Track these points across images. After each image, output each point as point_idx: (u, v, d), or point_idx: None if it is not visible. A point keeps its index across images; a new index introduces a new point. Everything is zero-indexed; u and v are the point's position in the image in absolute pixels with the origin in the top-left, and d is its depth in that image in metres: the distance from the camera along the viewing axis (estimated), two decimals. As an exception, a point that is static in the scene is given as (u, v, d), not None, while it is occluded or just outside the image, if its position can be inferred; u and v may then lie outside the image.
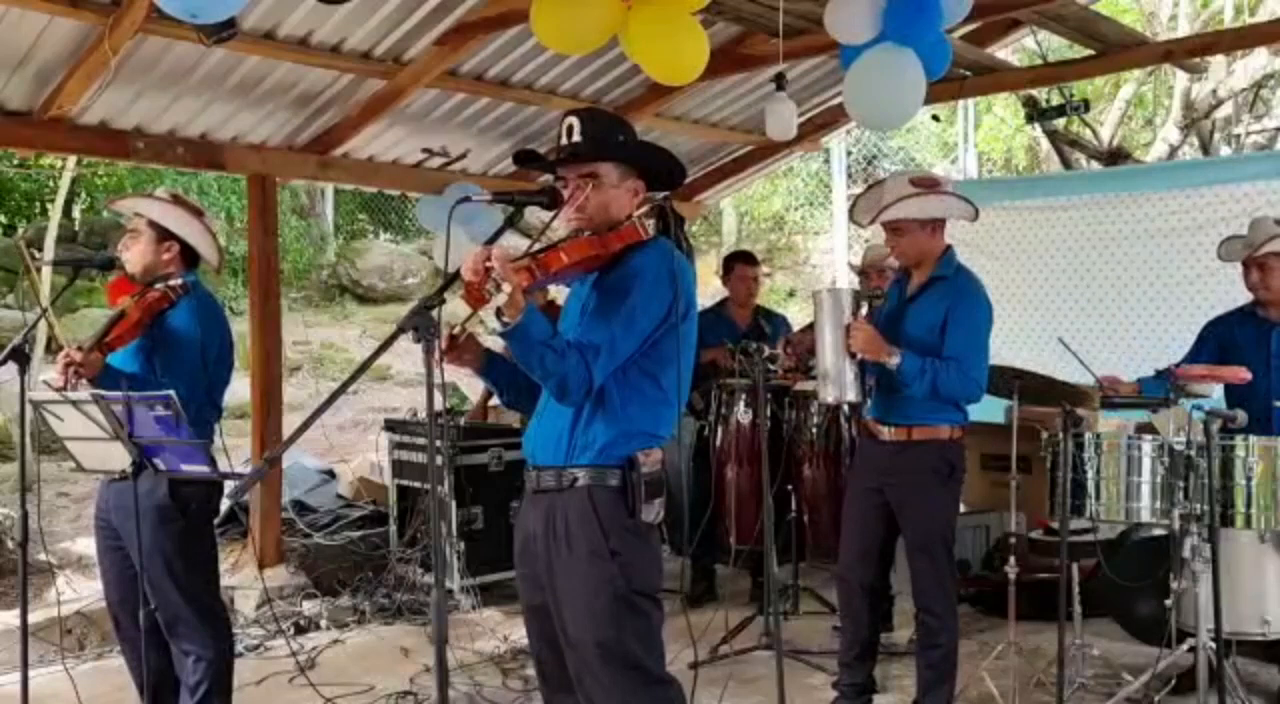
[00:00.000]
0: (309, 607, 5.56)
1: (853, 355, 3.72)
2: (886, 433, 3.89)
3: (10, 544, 5.64)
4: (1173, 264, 6.34)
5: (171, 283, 3.49)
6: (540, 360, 2.46)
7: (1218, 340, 4.40)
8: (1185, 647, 3.90)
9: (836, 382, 3.76)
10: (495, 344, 2.68)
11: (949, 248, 3.91)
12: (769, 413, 4.81)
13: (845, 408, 5.36)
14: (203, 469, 3.13)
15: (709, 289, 8.72)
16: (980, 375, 3.78)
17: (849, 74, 4.53)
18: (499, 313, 2.37)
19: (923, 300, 3.86)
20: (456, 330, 2.64)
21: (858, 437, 4.17)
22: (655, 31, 4.03)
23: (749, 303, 5.83)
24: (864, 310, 3.86)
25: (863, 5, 4.30)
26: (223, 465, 3.26)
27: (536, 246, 2.56)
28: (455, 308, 2.47)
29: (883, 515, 3.91)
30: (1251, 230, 4.28)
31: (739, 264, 5.93)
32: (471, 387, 9.76)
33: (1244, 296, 4.38)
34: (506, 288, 2.32)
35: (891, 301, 3.98)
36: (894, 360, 3.68)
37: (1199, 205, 6.23)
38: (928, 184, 3.87)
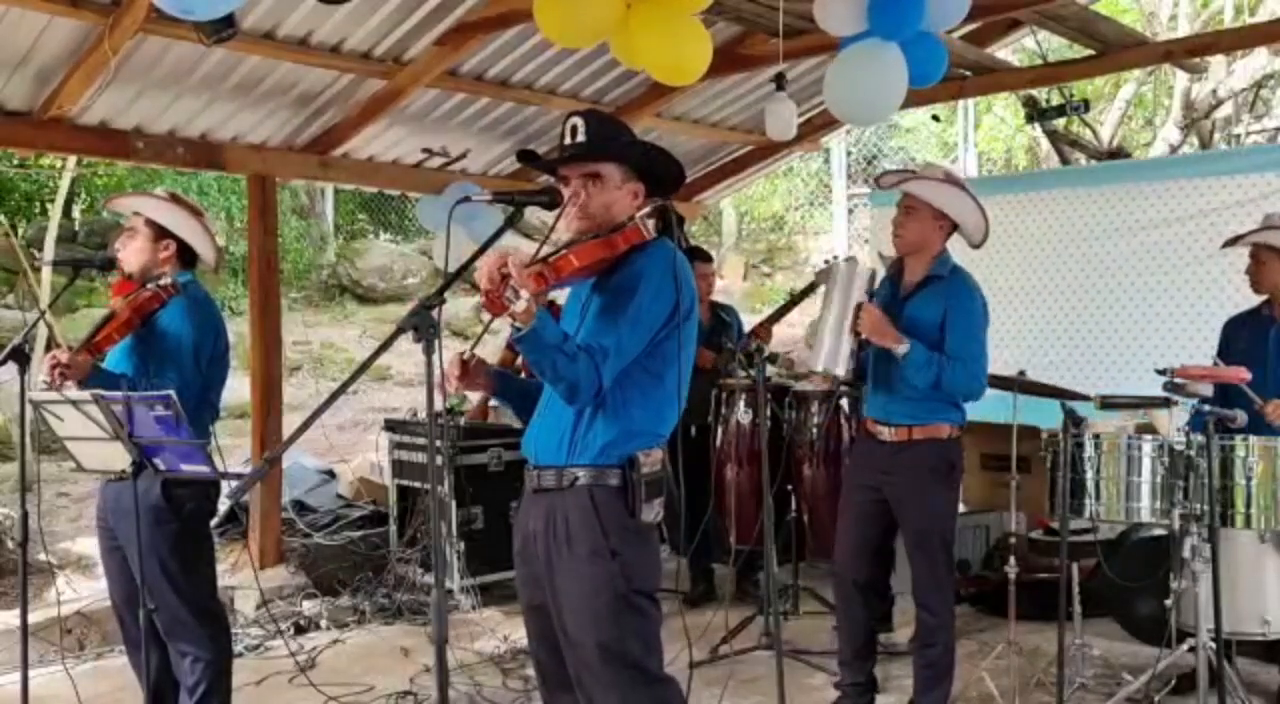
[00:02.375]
0: (309, 607, 5.55)
1: (856, 334, 3.74)
2: (887, 433, 3.89)
3: (10, 544, 5.64)
4: (1162, 255, 6.33)
5: (163, 282, 3.48)
6: (553, 365, 2.46)
7: (1227, 339, 4.40)
8: (1185, 647, 3.89)
9: (832, 353, 3.77)
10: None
11: (946, 251, 3.92)
12: (769, 413, 4.81)
13: (845, 407, 5.36)
14: (203, 469, 3.13)
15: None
16: (982, 373, 3.82)
17: (829, 69, 4.54)
18: (512, 318, 2.37)
19: (919, 299, 3.87)
20: (467, 355, 2.65)
21: (857, 436, 4.18)
22: (657, 32, 4.02)
23: (706, 299, 5.86)
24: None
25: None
26: (217, 466, 3.25)
27: (545, 251, 2.56)
28: (456, 308, 2.47)
29: (880, 513, 3.92)
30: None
31: (696, 262, 5.95)
32: (471, 386, 9.75)
33: (1232, 285, 4.36)
34: (525, 294, 2.32)
35: (884, 299, 3.95)
36: (902, 347, 3.69)
37: (1193, 196, 6.24)
38: (955, 180, 3.92)
